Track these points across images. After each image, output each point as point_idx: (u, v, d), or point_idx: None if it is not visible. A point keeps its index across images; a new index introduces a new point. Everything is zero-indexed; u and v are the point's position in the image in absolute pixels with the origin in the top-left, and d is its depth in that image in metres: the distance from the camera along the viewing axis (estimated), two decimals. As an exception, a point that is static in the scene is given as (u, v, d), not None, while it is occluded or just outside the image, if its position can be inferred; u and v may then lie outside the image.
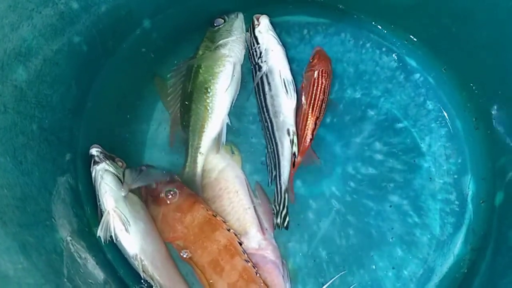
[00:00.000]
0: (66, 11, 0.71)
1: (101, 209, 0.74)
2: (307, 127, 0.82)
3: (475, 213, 0.84)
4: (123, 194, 0.74)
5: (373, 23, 0.90)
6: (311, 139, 0.82)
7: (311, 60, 0.85)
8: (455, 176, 0.86)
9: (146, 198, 0.80)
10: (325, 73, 0.83)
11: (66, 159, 0.77)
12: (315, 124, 0.82)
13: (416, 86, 0.89)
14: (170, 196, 0.79)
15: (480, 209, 0.84)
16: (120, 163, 0.77)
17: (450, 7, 0.79)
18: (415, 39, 0.89)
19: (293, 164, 0.81)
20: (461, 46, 0.83)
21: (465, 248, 0.83)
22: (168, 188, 0.79)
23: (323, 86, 0.82)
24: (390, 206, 0.84)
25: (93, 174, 0.74)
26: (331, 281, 0.80)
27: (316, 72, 0.83)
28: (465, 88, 0.86)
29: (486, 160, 0.85)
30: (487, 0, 0.73)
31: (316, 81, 0.82)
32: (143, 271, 0.73)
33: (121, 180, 0.75)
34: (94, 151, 0.75)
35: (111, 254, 0.80)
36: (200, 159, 0.83)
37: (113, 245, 0.75)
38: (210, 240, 0.75)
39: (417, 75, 0.89)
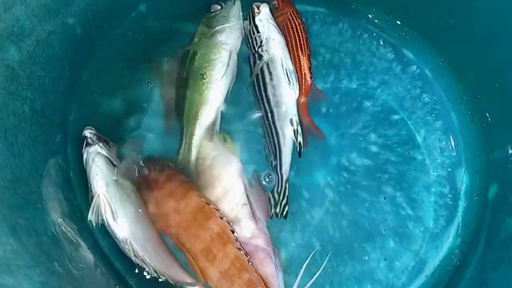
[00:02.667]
0: (60, -8, 0.70)
1: (91, 192, 0.73)
2: (302, 67, 0.82)
3: (468, 207, 0.84)
4: (114, 177, 0.74)
5: (371, 14, 0.90)
6: (311, 77, 0.82)
7: (275, 5, 0.85)
8: (449, 169, 0.86)
9: (139, 185, 0.79)
10: (296, 12, 0.84)
11: (57, 141, 0.76)
12: (309, 61, 0.82)
13: (413, 78, 0.89)
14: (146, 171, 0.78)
15: (473, 202, 0.84)
16: (112, 146, 0.77)
17: (448, -1, 0.79)
18: (412, 31, 0.89)
19: (299, 154, 0.81)
20: (459, 38, 0.83)
21: (457, 241, 0.83)
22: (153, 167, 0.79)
23: (301, 25, 0.83)
24: (385, 198, 0.84)
25: (84, 156, 0.73)
26: (316, 275, 0.80)
27: (289, 15, 0.83)
28: (461, 81, 0.86)
29: (480, 154, 0.85)
30: (486, -8, 0.73)
31: (293, 22, 0.83)
32: (134, 255, 0.73)
33: (113, 164, 0.74)
34: (87, 132, 0.74)
35: (102, 239, 0.79)
36: (194, 146, 0.82)
37: (104, 229, 0.75)
38: (203, 228, 0.75)
39: (414, 67, 0.89)
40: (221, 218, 0.75)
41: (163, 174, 0.79)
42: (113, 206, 0.72)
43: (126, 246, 0.73)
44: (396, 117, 0.87)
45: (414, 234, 0.83)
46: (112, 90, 0.86)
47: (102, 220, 0.72)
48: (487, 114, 0.82)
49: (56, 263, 0.64)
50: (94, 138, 0.74)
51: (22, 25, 0.65)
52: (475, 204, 0.84)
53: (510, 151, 0.76)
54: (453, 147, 0.87)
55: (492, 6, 0.73)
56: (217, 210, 0.76)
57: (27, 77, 0.67)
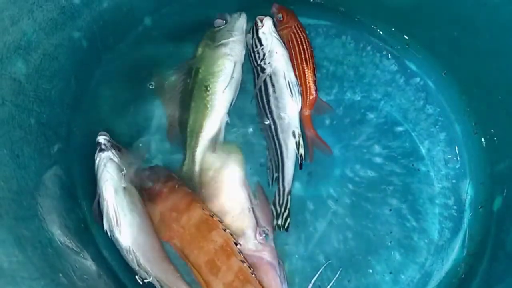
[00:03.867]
0: (67, 6, 0.71)
1: (99, 197, 0.73)
2: (307, 80, 0.83)
3: (473, 218, 0.84)
4: (123, 185, 0.74)
5: (374, 26, 0.91)
6: (316, 90, 0.83)
7: (280, 18, 0.85)
8: (454, 181, 0.86)
9: (143, 196, 0.79)
10: (300, 26, 0.85)
11: (62, 153, 0.77)
12: (314, 74, 0.83)
13: (416, 90, 0.89)
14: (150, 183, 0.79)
15: (478, 214, 0.84)
16: (125, 154, 0.78)
17: (451, 11, 0.79)
18: (415, 43, 0.89)
19: (300, 166, 0.81)
20: (462, 50, 0.83)
21: (462, 253, 0.83)
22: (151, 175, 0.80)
23: (306, 39, 0.84)
24: (390, 210, 0.84)
25: (96, 161, 0.74)
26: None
27: (293, 28, 0.84)
28: (465, 93, 0.86)
29: (485, 165, 0.84)
30: (488, 4, 0.73)
31: (298, 36, 0.84)
32: (137, 264, 0.73)
33: (123, 171, 0.75)
34: (101, 138, 0.75)
35: (106, 250, 0.80)
36: (198, 158, 0.82)
37: (109, 241, 0.75)
38: (206, 240, 0.74)
39: (417, 79, 0.89)
40: (225, 230, 0.75)
41: (167, 185, 0.80)
42: (120, 214, 0.72)
43: (129, 255, 0.73)
44: (400, 128, 0.87)
45: (419, 246, 0.83)
46: (117, 103, 0.87)
47: (108, 226, 0.72)
48: (491, 126, 0.82)
49: (60, 275, 0.64)
50: (108, 144, 0.75)
51: (29, 38, 0.66)
52: (480, 216, 0.83)
53: (515, 163, 0.76)
54: (458, 159, 0.86)
55: (495, 19, 0.73)
56: (221, 222, 0.76)
57: (33, 90, 0.68)
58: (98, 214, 0.75)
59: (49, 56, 0.70)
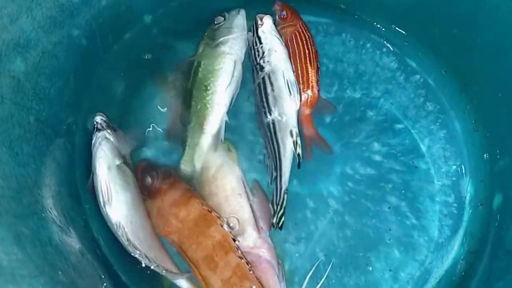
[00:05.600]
0: (66, 4, 0.71)
1: (92, 174, 0.75)
2: (310, 80, 0.83)
3: (473, 216, 0.84)
4: (117, 163, 0.75)
5: (374, 23, 0.90)
6: (318, 90, 0.83)
7: (284, 16, 0.85)
8: (454, 178, 0.85)
9: (142, 193, 0.80)
10: (305, 25, 0.85)
11: (62, 151, 0.77)
12: (318, 74, 0.83)
13: (416, 87, 0.89)
14: (149, 179, 0.80)
15: (478, 211, 0.84)
16: (121, 135, 0.80)
17: (451, 9, 0.79)
18: (415, 41, 0.89)
19: (298, 165, 0.81)
20: (462, 48, 0.83)
21: (462, 250, 0.83)
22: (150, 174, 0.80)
23: (310, 38, 0.84)
24: (389, 207, 0.84)
25: (93, 140, 0.76)
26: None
27: (298, 27, 0.84)
28: (465, 91, 0.86)
29: (485, 163, 0.84)
30: (489, 2, 0.73)
31: (303, 35, 0.84)
32: (127, 240, 0.74)
33: (118, 150, 0.77)
34: (98, 118, 0.77)
35: (106, 249, 0.80)
36: (198, 156, 0.82)
37: (109, 239, 0.75)
38: (204, 236, 0.75)
39: (417, 77, 0.89)
40: (223, 226, 0.76)
41: (166, 182, 0.80)
42: (112, 190, 0.73)
43: (119, 230, 0.74)
44: (399, 126, 0.87)
45: (418, 243, 0.83)
46: (116, 100, 0.87)
47: (99, 202, 0.74)
48: (491, 123, 0.82)
49: (60, 272, 0.64)
50: (104, 124, 0.77)
51: (28, 36, 0.66)
52: (480, 213, 0.83)
53: (515, 160, 0.76)
54: (458, 156, 0.86)
55: (495, 17, 0.73)
56: (219, 218, 0.76)
57: (32, 88, 0.68)
58: (92, 192, 0.76)
59: (48, 54, 0.71)
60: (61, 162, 0.77)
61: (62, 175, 0.77)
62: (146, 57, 0.88)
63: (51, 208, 0.70)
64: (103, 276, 0.76)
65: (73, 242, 0.73)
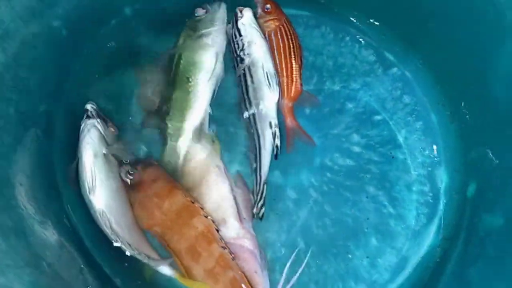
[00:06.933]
0: (45, -6, 0.71)
1: (77, 161, 0.75)
2: (294, 73, 0.83)
3: (448, 204, 0.86)
4: (104, 151, 0.76)
5: (352, 17, 0.92)
6: (301, 84, 0.84)
7: (268, 9, 0.85)
8: (430, 168, 0.88)
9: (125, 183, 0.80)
10: (289, 21, 0.86)
11: (43, 142, 0.76)
12: (300, 69, 0.84)
13: (394, 80, 0.90)
14: (131, 174, 0.80)
15: (453, 200, 0.86)
16: (112, 129, 0.80)
17: (427, 3, 0.81)
18: (392, 34, 0.90)
19: (275, 156, 0.82)
20: (438, 42, 0.85)
21: (437, 238, 0.85)
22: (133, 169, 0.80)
23: (294, 33, 0.85)
24: (367, 197, 0.86)
25: (81, 126, 0.76)
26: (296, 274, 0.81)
27: (283, 21, 0.85)
28: (441, 83, 0.88)
29: (459, 153, 0.87)
30: (463, -4, 0.75)
31: (288, 29, 0.84)
32: (110, 227, 0.74)
33: (106, 141, 0.77)
34: (89, 106, 0.78)
35: (87, 240, 0.80)
36: (181, 148, 0.82)
37: (90, 230, 0.75)
38: (187, 226, 0.75)
39: (395, 69, 0.91)
40: (206, 216, 0.76)
41: (148, 172, 0.80)
42: (96, 177, 0.74)
43: (102, 218, 0.74)
44: (378, 117, 0.89)
45: (396, 231, 0.85)
46: (98, 92, 0.86)
47: (83, 189, 0.74)
48: (466, 115, 0.84)
49: (44, 263, 0.64)
50: (94, 113, 0.78)
51: (7, 27, 0.65)
52: (455, 202, 0.86)
53: (488, 151, 0.78)
54: (433, 147, 0.88)
55: (470, 11, 0.75)
56: (202, 209, 0.77)
57: (11, 79, 0.68)
58: (73, 180, 0.76)
59: (28, 45, 0.70)
60: (41, 154, 0.77)
61: (42, 166, 0.77)
62: (108, 45, 0.87)
63: (29, 200, 0.69)
64: (83, 267, 0.76)
65: (51, 233, 0.72)
